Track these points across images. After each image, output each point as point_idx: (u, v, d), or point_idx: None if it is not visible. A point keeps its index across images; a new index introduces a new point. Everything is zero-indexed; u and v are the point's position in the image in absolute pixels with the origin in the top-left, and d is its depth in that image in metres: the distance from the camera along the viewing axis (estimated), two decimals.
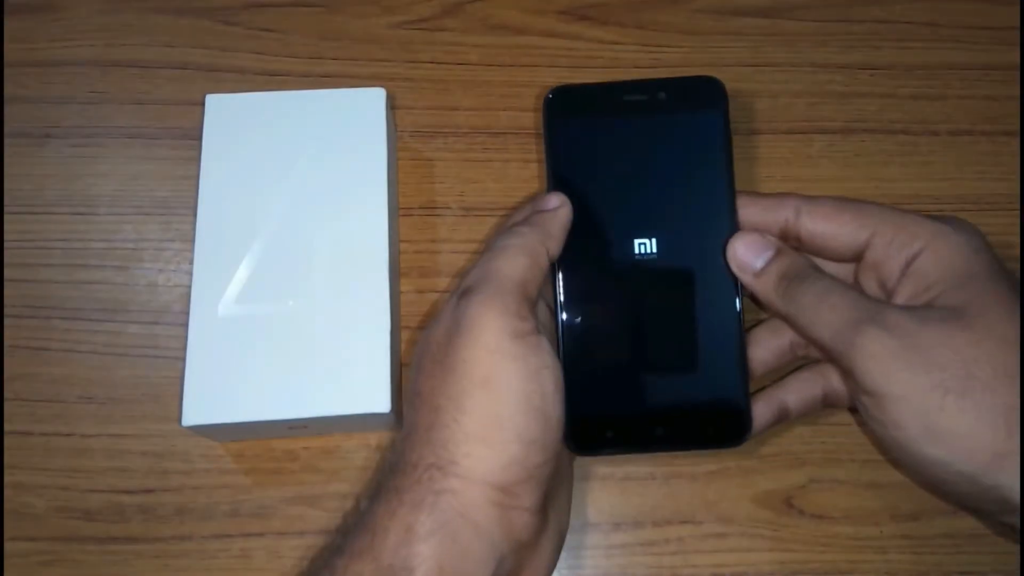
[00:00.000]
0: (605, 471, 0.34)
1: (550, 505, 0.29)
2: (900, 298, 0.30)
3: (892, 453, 0.31)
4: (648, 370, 0.32)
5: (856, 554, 0.33)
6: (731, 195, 0.33)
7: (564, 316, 0.32)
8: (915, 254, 0.30)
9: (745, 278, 0.32)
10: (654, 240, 0.33)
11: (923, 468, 0.28)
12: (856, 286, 0.33)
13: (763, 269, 0.32)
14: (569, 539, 0.33)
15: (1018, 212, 0.38)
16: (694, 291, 0.32)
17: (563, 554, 0.33)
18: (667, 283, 0.33)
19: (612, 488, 0.34)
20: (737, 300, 0.32)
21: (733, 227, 0.33)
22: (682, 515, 0.34)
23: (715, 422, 0.32)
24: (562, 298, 0.32)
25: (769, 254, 0.32)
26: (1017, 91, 0.40)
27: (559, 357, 0.31)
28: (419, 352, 0.29)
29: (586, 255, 0.33)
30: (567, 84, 0.35)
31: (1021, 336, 0.28)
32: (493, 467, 0.26)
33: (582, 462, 0.34)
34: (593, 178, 0.34)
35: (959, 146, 0.39)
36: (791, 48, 0.41)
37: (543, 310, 0.32)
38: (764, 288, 0.32)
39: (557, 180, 0.33)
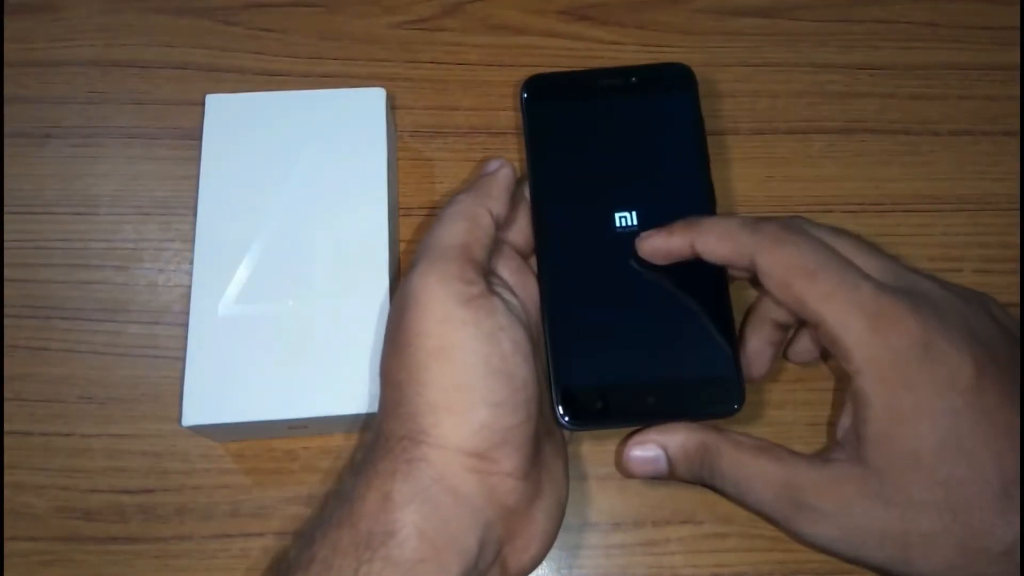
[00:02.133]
0: (605, 471, 0.34)
1: (543, 474, 0.29)
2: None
3: None
4: (635, 341, 0.32)
5: None
6: (705, 169, 0.34)
7: (548, 291, 0.32)
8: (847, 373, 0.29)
9: (660, 478, 0.31)
10: (634, 213, 0.33)
11: None
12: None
13: (671, 470, 0.31)
14: (569, 539, 0.33)
15: (1018, 212, 0.38)
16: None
17: (563, 554, 0.33)
18: None
19: (612, 488, 0.34)
20: (721, 268, 0.32)
21: (710, 198, 0.34)
22: (682, 515, 0.34)
23: (707, 391, 0.32)
24: (545, 273, 0.33)
25: (662, 457, 0.31)
26: (1017, 91, 0.40)
27: (545, 333, 0.32)
28: (384, 336, 0.30)
29: (567, 231, 0.33)
30: (542, 72, 0.36)
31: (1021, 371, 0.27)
32: (463, 433, 0.26)
33: (582, 462, 0.34)
34: (571, 159, 0.35)
35: (959, 146, 0.39)
36: (791, 48, 0.41)
37: (524, 283, 0.32)
38: (686, 480, 0.31)
39: (536, 163, 0.34)
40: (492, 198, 0.31)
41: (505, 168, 0.33)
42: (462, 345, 0.27)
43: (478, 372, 0.27)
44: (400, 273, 0.37)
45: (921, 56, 0.41)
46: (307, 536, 0.26)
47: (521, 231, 0.34)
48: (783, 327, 0.33)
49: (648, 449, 0.31)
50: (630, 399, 0.32)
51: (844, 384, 0.32)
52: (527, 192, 0.34)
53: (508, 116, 0.40)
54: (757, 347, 0.33)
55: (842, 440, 0.29)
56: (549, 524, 0.29)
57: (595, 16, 0.42)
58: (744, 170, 0.39)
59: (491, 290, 0.29)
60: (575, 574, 0.33)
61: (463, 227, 0.30)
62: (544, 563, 0.33)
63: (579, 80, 0.36)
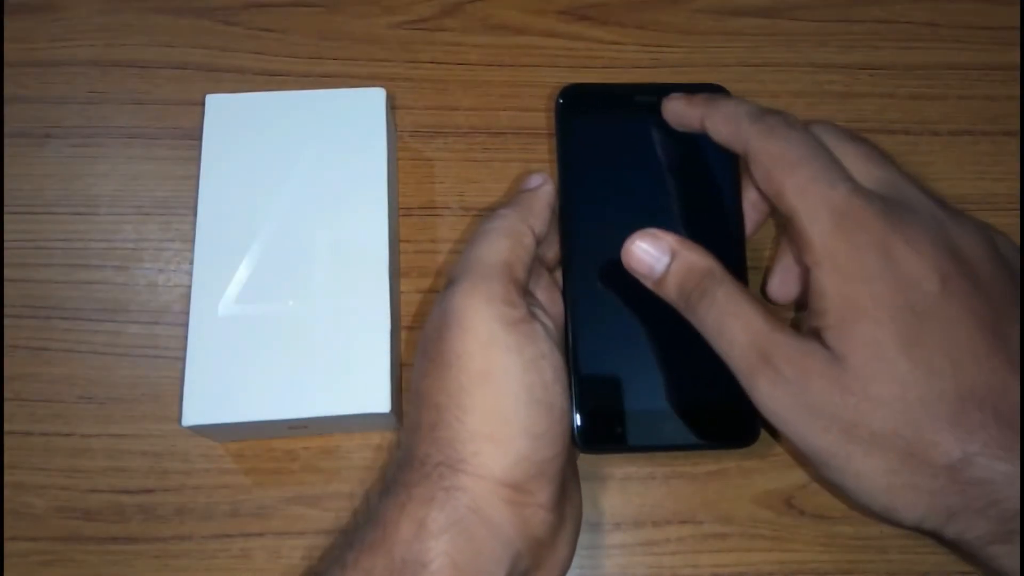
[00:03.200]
0: (605, 471, 0.34)
1: (566, 501, 0.29)
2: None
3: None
4: (658, 368, 0.32)
5: (857, 554, 0.33)
6: (738, 193, 0.34)
7: (573, 310, 0.32)
8: (808, 263, 0.28)
9: (646, 283, 0.31)
10: None
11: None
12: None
13: (661, 277, 0.30)
14: None
15: (1018, 212, 0.38)
16: None
17: None
18: None
19: (612, 488, 0.34)
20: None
21: (740, 227, 0.33)
22: (682, 515, 0.34)
23: (725, 421, 0.32)
24: (571, 292, 0.32)
25: (665, 260, 0.30)
26: (1017, 91, 0.40)
27: (569, 354, 0.31)
28: (418, 351, 0.29)
29: (596, 251, 0.33)
30: (579, 83, 0.35)
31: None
32: (503, 464, 0.26)
33: (583, 462, 0.34)
34: (604, 175, 0.34)
35: (959, 146, 0.39)
36: (791, 48, 0.41)
37: (553, 300, 0.32)
38: (667, 296, 0.30)
39: (566, 174, 0.34)
40: (535, 215, 0.31)
41: (548, 185, 0.32)
42: (506, 371, 0.26)
43: (520, 401, 0.26)
44: (399, 273, 0.37)
45: (921, 56, 0.41)
46: (339, 560, 0.26)
47: (550, 244, 0.33)
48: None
49: (659, 246, 0.30)
50: (649, 425, 0.32)
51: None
52: (555, 204, 0.34)
53: (508, 116, 0.40)
54: (782, 275, 0.33)
55: (808, 329, 0.29)
56: (568, 552, 0.29)
57: (595, 16, 0.42)
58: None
59: (532, 314, 0.28)
60: (575, 574, 0.33)
61: (507, 245, 0.29)
62: None
63: (616, 93, 0.36)
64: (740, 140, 0.30)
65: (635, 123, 0.35)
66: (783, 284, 0.34)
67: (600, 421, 0.31)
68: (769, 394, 0.27)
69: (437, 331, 0.28)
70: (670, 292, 0.30)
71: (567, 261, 0.33)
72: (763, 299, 0.32)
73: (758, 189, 0.31)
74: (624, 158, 0.34)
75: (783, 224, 0.31)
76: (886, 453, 0.26)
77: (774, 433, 0.32)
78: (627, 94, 0.35)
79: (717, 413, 0.32)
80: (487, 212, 0.38)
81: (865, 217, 0.27)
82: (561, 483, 0.28)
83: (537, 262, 0.32)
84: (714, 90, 0.35)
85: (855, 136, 0.31)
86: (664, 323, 0.32)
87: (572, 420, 0.28)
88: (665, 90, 0.35)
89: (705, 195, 0.34)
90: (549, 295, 0.32)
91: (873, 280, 0.27)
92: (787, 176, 0.29)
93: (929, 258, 0.27)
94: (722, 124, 0.31)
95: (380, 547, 0.25)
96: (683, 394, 0.32)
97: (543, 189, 0.32)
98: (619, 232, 0.32)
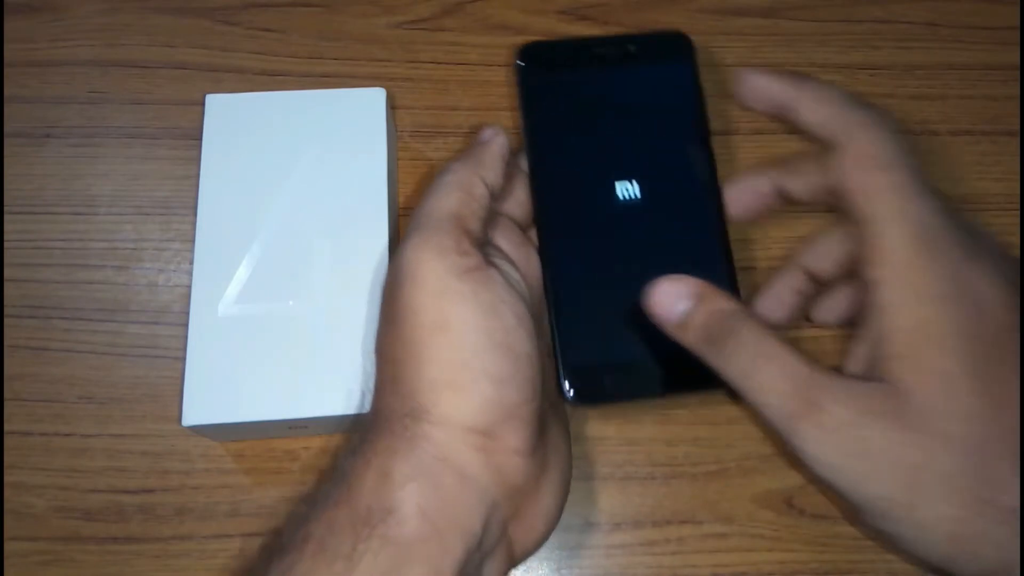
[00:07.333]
0: (605, 471, 0.34)
1: (549, 451, 0.28)
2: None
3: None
4: (640, 318, 0.31)
5: (857, 554, 0.33)
6: (707, 136, 0.34)
7: (550, 264, 0.32)
8: (867, 285, 0.27)
9: (667, 329, 0.29)
10: (635, 183, 0.33)
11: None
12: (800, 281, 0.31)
13: (683, 321, 0.29)
14: (569, 539, 0.33)
15: (1018, 212, 0.38)
16: (680, 231, 0.32)
17: (563, 554, 0.33)
18: (652, 225, 0.33)
19: (612, 488, 0.34)
20: (725, 235, 0.32)
21: (712, 166, 0.33)
22: (682, 515, 0.34)
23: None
24: (547, 246, 0.32)
25: (688, 303, 0.29)
26: (1017, 91, 0.40)
27: (550, 309, 0.31)
28: (379, 312, 0.29)
29: (567, 203, 0.33)
30: (537, 40, 0.36)
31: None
32: (467, 410, 0.26)
33: (583, 462, 0.34)
34: (569, 129, 0.34)
35: (959, 146, 0.39)
36: (791, 48, 0.41)
37: (528, 257, 0.32)
38: (689, 342, 0.29)
39: (532, 132, 0.34)
40: (485, 166, 0.30)
41: (499, 136, 0.32)
42: (461, 319, 0.26)
43: (479, 346, 0.26)
44: None
45: (921, 56, 0.41)
46: (301, 516, 0.25)
47: (519, 203, 0.33)
48: (815, 281, 0.32)
49: (684, 287, 0.29)
50: (636, 374, 0.31)
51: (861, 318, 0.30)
52: (524, 164, 0.34)
53: (508, 116, 0.40)
54: (781, 292, 0.32)
55: (857, 365, 0.27)
56: (554, 502, 0.28)
57: (595, 16, 0.42)
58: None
59: (489, 262, 0.28)
60: (575, 574, 0.33)
61: (456, 197, 0.29)
62: (544, 563, 0.33)
63: (575, 48, 0.36)
64: (833, 126, 0.29)
65: (596, 77, 0.35)
66: (832, 306, 0.32)
67: (584, 374, 0.31)
68: (818, 440, 0.25)
69: (391, 288, 0.28)
70: (693, 335, 0.28)
71: (540, 217, 0.32)
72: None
73: (803, 189, 0.30)
74: (588, 111, 0.34)
75: (849, 236, 0.29)
76: (953, 498, 0.24)
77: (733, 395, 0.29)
78: (586, 47, 0.35)
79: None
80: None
81: (945, 238, 0.26)
82: (536, 429, 0.27)
83: (505, 219, 0.32)
84: (673, 37, 0.35)
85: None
86: (643, 273, 0.31)
87: (541, 366, 0.28)
88: (621, 42, 0.35)
89: (674, 139, 0.34)
90: (521, 251, 0.32)
91: (947, 303, 0.25)
92: (875, 177, 0.27)
93: (1002, 290, 0.26)
94: (817, 105, 0.29)
95: (343, 500, 0.25)
96: (666, 341, 0.31)
97: (495, 140, 0.31)
98: (589, 180, 0.32)
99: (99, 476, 0.34)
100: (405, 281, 0.27)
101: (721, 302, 0.28)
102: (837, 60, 0.41)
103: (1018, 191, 0.38)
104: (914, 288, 0.26)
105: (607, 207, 0.33)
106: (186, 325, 0.32)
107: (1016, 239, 0.38)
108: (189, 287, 0.33)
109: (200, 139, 0.35)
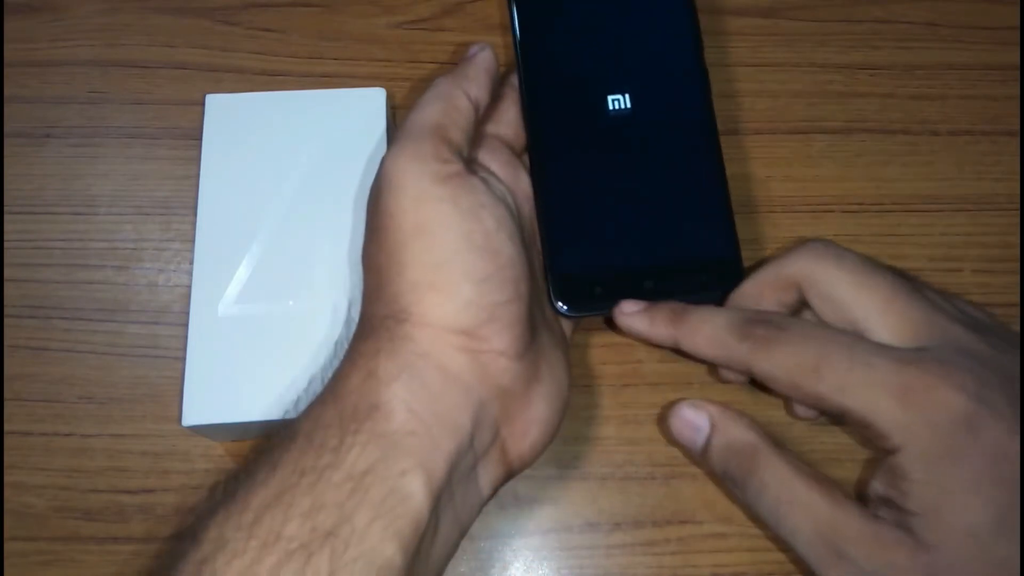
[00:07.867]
0: (605, 471, 0.34)
1: (541, 361, 0.28)
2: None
3: None
4: (631, 224, 0.32)
5: None
6: (699, 50, 0.34)
7: (540, 178, 0.32)
8: (886, 447, 0.27)
9: (693, 456, 0.30)
10: (627, 95, 0.33)
11: None
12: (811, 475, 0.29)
13: (704, 448, 0.30)
14: (569, 539, 0.33)
15: (1018, 212, 0.38)
16: (672, 142, 0.33)
17: (563, 554, 0.33)
18: (644, 136, 0.33)
19: (612, 488, 0.34)
20: (717, 146, 0.32)
21: (704, 78, 0.33)
22: (682, 515, 0.34)
23: (706, 271, 0.31)
24: (537, 161, 0.32)
25: (704, 433, 0.30)
26: (1017, 91, 0.40)
27: (539, 219, 0.32)
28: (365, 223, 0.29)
29: (558, 116, 0.33)
30: None
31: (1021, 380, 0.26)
32: (448, 310, 0.26)
33: (583, 462, 0.34)
34: (559, 44, 0.34)
35: (959, 146, 0.39)
36: (791, 48, 0.41)
37: (516, 177, 0.32)
38: (714, 469, 0.30)
39: (523, 48, 0.34)
40: (470, 80, 0.30)
41: (485, 51, 0.32)
42: (441, 222, 0.26)
43: (459, 248, 0.26)
44: None
45: (921, 56, 0.41)
46: (290, 421, 0.26)
47: (510, 124, 0.33)
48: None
49: (700, 416, 0.30)
50: (627, 283, 0.31)
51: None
52: (515, 84, 0.34)
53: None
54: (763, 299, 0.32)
55: (879, 500, 0.27)
56: (549, 411, 0.28)
57: None
58: (744, 170, 0.39)
59: (470, 170, 0.28)
60: (575, 574, 0.33)
61: (438, 107, 0.29)
62: (544, 563, 0.33)
63: None
64: (737, 362, 0.29)
65: None
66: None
67: (574, 283, 0.31)
68: None
69: (373, 199, 0.28)
70: (714, 468, 0.30)
71: (531, 132, 0.33)
72: (821, 473, 0.29)
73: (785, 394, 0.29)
74: (578, 26, 0.34)
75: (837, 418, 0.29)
76: None
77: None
78: None
79: (698, 263, 0.31)
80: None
81: (928, 387, 0.26)
82: (522, 333, 0.27)
83: (495, 139, 0.32)
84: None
85: (869, 266, 0.29)
86: (634, 178, 0.32)
87: (524, 270, 0.28)
88: None
89: (665, 52, 0.34)
90: (510, 171, 0.32)
91: (963, 460, 0.25)
92: (817, 382, 0.27)
93: (1010, 415, 0.25)
94: (707, 347, 0.29)
95: (331, 400, 0.25)
96: (660, 248, 0.31)
97: (480, 55, 0.32)
98: (580, 93, 0.32)
99: (99, 476, 0.34)
100: (385, 189, 0.27)
101: (737, 433, 0.29)
102: (837, 60, 0.41)
103: (1018, 191, 0.38)
104: (925, 454, 0.26)
105: (598, 121, 0.33)
106: (186, 325, 0.32)
107: (1016, 239, 0.38)
108: (189, 287, 0.33)
109: (200, 139, 0.35)
